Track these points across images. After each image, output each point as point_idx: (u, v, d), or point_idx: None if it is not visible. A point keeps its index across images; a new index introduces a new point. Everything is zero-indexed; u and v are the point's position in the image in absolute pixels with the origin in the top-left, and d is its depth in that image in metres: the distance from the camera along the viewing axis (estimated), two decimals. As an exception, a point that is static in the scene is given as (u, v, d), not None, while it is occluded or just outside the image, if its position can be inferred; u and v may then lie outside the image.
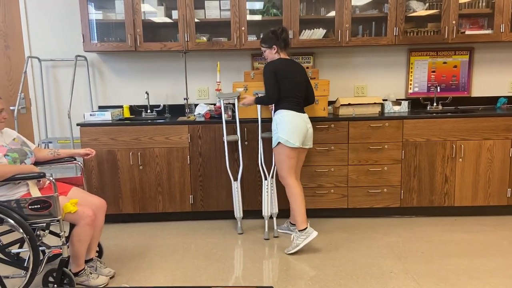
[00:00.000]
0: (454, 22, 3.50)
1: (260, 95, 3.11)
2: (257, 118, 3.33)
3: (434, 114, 3.44)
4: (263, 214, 3.26)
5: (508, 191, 3.47)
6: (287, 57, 3.04)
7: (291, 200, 2.95)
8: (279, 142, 2.90)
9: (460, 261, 2.77)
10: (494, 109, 3.71)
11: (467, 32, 3.58)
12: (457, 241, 3.09)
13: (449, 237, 3.15)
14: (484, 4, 3.59)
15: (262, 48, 3.07)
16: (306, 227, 2.89)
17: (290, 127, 2.88)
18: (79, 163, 2.79)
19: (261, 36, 3.08)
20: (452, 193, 3.48)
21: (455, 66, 3.90)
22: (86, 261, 2.54)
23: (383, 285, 2.48)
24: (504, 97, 3.88)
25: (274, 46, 3.00)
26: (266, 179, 3.25)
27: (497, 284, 2.47)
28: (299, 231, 2.90)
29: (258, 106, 3.31)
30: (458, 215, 3.57)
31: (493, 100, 3.92)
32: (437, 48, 3.88)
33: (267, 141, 3.35)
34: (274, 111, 3.01)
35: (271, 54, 3.03)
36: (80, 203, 2.41)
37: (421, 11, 3.58)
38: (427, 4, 3.59)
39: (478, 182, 3.47)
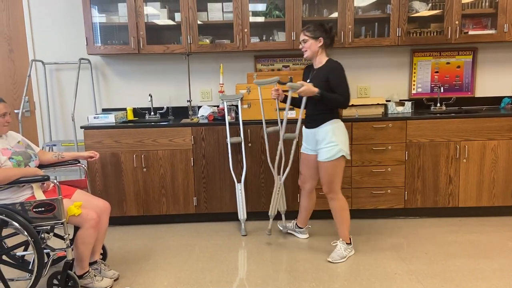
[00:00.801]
0: (457, 22, 3.49)
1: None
2: (261, 120, 3.32)
3: (438, 115, 3.43)
4: (270, 213, 3.14)
5: (513, 191, 3.45)
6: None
7: (343, 213, 2.82)
8: (342, 155, 2.72)
9: (465, 262, 2.76)
10: (498, 109, 3.69)
11: (470, 32, 3.57)
12: (461, 242, 3.08)
13: (454, 238, 3.14)
14: (487, 4, 3.57)
15: (305, 37, 2.73)
16: (351, 243, 2.89)
17: (347, 138, 2.77)
18: (83, 165, 2.80)
19: (307, 26, 2.75)
20: (456, 194, 3.47)
21: (459, 67, 3.89)
22: (91, 264, 2.55)
23: (387, 287, 2.47)
24: (508, 97, 3.86)
25: (321, 38, 2.70)
26: (278, 174, 3.15)
27: (503, 285, 2.45)
28: (347, 244, 2.86)
29: (277, 104, 3.16)
30: (463, 216, 3.56)
31: (497, 100, 3.90)
32: (440, 48, 3.87)
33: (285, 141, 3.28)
34: (326, 121, 2.72)
35: (315, 46, 2.72)
36: (84, 206, 2.42)
37: (423, 11, 3.57)
38: (430, 5, 3.59)
39: (483, 182, 3.45)
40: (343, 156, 2.72)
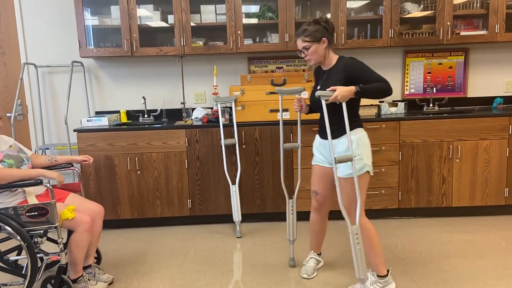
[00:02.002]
0: (448, 23, 3.51)
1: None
2: (256, 122, 3.33)
3: (431, 115, 3.45)
4: (289, 237, 2.75)
5: (506, 191, 3.48)
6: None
7: (372, 239, 2.31)
8: (367, 171, 2.30)
9: (459, 261, 2.78)
10: (490, 109, 3.72)
11: (462, 33, 3.60)
12: (455, 241, 3.09)
13: (448, 238, 3.15)
14: (478, 5, 3.60)
15: (305, 44, 2.31)
16: (387, 274, 2.37)
17: (370, 151, 2.34)
18: (76, 169, 2.78)
19: (301, 30, 2.32)
20: (450, 193, 3.49)
21: (451, 67, 3.91)
22: (84, 268, 2.53)
23: (382, 287, 2.47)
24: (500, 97, 3.89)
25: (324, 38, 2.31)
26: (291, 198, 2.71)
27: (496, 284, 2.47)
28: (379, 276, 2.35)
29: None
30: (456, 215, 3.58)
31: (489, 100, 3.93)
32: (433, 49, 3.89)
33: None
34: (351, 129, 2.28)
35: (320, 50, 2.31)
36: (78, 210, 2.41)
37: (415, 12, 3.60)
38: (422, 6, 3.61)
39: (476, 182, 3.47)
40: (367, 172, 2.31)
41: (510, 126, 3.39)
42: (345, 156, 2.18)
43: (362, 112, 3.52)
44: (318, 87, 2.42)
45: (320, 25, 2.31)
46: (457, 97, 3.94)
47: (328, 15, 3.53)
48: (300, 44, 2.34)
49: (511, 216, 3.54)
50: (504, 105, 3.89)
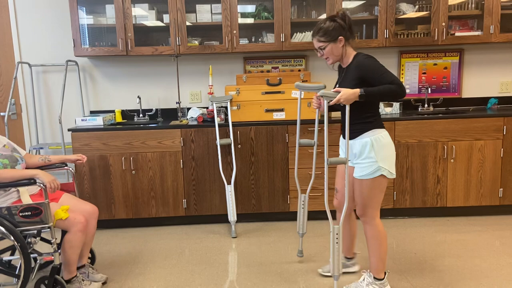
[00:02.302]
0: (443, 24, 3.53)
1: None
2: (252, 121, 3.32)
3: (426, 116, 3.46)
4: (298, 230, 2.81)
5: (500, 191, 3.49)
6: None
7: (379, 242, 2.30)
8: (381, 174, 2.23)
9: (454, 261, 2.79)
10: (485, 110, 3.74)
11: (457, 34, 3.61)
12: (450, 241, 3.10)
13: (442, 238, 3.16)
14: (473, 5, 3.62)
15: (320, 44, 2.26)
16: (384, 278, 2.36)
17: (392, 154, 2.26)
18: (71, 169, 2.77)
19: (316, 29, 2.26)
20: (445, 193, 3.50)
21: (446, 68, 3.93)
22: (78, 268, 2.52)
23: (377, 287, 2.48)
24: (495, 97, 3.91)
25: (340, 37, 2.23)
26: (304, 193, 2.72)
27: (491, 284, 2.48)
28: (375, 278, 2.35)
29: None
30: (451, 215, 3.59)
31: (484, 101, 3.95)
32: (428, 50, 3.90)
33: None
34: (365, 131, 2.23)
35: (337, 49, 2.25)
36: (72, 210, 2.40)
37: (411, 13, 3.61)
38: (417, 7, 3.62)
39: (470, 182, 3.49)
40: (387, 175, 2.24)
41: (505, 127, 3.41)
42: (340, 158, 2.18)
43: (358, 112, 3.53)
44: (337, 85, 2.36)
45: (336, 22, 2.22)
46: (452, 98, 3.95)
47: (324, 16, 3.53)
48: (315, 44, 2.29)
49: (505, 216, 3.56)
50: (498, 106, 3.91)
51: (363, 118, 2.23)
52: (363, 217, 2.31)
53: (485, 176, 3.48)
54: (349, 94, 2.11)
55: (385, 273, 2.37)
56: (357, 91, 2.11)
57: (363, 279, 2.37)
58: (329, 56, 2.28)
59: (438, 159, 3.45)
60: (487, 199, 3.51)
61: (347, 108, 2.16)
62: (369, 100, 2.15)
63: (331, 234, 2.23)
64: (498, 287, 2.44)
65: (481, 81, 3.97)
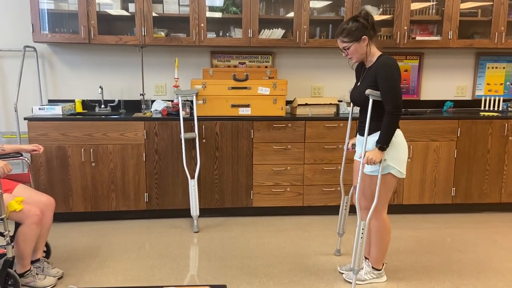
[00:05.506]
0: (405, 28, 3.65)
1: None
2: (217, 116, 3.30)
3: (386, 116, 3.56)
4: (338, 230, 2.88)
5: (453, 190, 3.66)
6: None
7: (382, 236, 2.42)
8: (389, 172, 2.30)
9: (407, 256, 2.90)
10: (441, 112, 3.90)
11: (418, 38, 3.74)
12: (405, 237, 3.23)
13: (398, 234, 3.28)
14: (434, 11, 3.76)
15: (344, 45, 2.29)
16: (382, 268, 2.53)
17: (404, 154, 2.32)
18: (26, 159, 2.66)
19: (340, 29, 2.29)
20: (401, 191, 3.63)
21: (406, 70, 4.07)
22: (33, 262, 2.43)
23: (332, 282, 2.54)
24: (450, 101, 4.09)
25: (364, 37, 2.26)
26: (346, 195, 2.81)
27: (442, 279, 2.61)
28: (373, 268, 2.51)
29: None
30: (406, 213, 3.73)
31: (441, 103, 4.12)
32: (390, 52, 3.99)
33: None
34: (377, 130, 2.27)
35: (361, 49, 2.28)
36: (27, 201, 2.30)
37: (375, 16, 3.69)
38: (381, 10, 3.72)
39: (425, 181, 3.64)
40: (395, 174, 2.31)
41: (459, 129, 3.57)
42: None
43: (322, 110, 3.60)
44: (358, 84, 2.42)
45: (359, 22, 2.25)
46: (411, 100, 4.10)
47: (292, 13, 3.56)
48: (340, 44, 2.32)
49: (457, 214, 3.74)
50: (454, 109, 4.09)
51: (378, 117, 2.26)
52: (372, 213, 2.36)
53: (439, 175, 3.64)
54: (375, 154, 2.23)
55: (383, 264, 2.53)
56: (379, 151, 2.23)
57: (363, 269, 2.52)
58: (353, 55, 2.31)
59: (397, 158, 3.57)
60: (440, 198, 3.68)
61: (370, 105, 2.25)
62: (388, 143, 2.23)
63: (356, 229, 2.35)
64: (449, 282, 2.57)
65: (439, 84, 4.14)
